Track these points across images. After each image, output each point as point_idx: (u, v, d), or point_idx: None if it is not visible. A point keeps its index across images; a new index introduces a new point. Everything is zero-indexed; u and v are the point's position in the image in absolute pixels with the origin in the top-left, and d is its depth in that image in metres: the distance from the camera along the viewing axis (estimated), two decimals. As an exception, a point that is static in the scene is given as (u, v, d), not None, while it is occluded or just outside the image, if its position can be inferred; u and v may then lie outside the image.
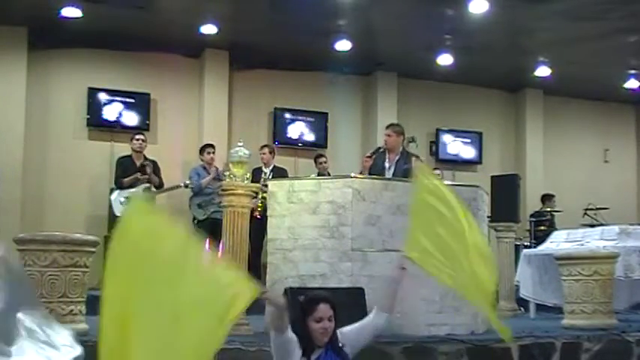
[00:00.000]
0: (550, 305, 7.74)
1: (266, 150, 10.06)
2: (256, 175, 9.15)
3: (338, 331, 3.56)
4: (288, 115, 11.84)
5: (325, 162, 10.50)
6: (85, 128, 10.83)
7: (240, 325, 5.44)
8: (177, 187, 9.63)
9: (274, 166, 10.06)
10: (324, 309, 3.46)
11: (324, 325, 3.42)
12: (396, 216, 5.78)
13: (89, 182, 10.65)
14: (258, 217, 8.10)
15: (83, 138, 10.85)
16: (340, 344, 3.51)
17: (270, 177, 9.29)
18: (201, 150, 10.02)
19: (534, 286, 7.82)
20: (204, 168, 9.88)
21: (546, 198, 11.91)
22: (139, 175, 9.24)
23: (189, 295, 2.82)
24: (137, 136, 9.58)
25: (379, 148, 7.26)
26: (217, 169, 9.77)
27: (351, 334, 3.62)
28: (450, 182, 9.40)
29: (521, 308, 8.37)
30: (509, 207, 8.49)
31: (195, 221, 9.77)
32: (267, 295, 3.38)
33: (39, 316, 2.51)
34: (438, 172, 10.90)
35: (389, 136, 7.17)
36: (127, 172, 9.30)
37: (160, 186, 9.47)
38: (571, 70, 11.85)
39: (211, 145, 9.99)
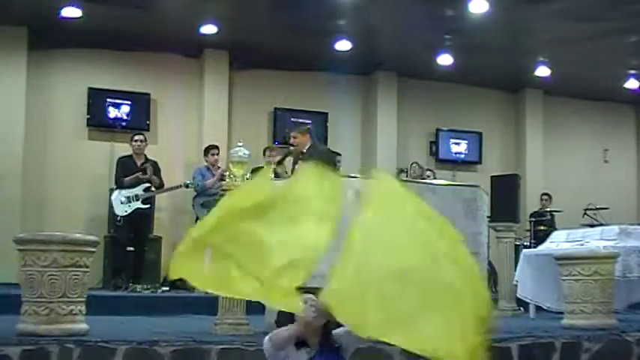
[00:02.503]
0: (547, 307, 7.74)
1: (275, 152, 10.15)
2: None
3: (333, 332, 3.55)
4: (288, 115, 11.84)
5: (339, 161, 10.48)
6: (85, 128, 10.83)
7: (240, 325, 5.44)
8: (178, 187, 9.64)
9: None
10: (307, 297, 3.49)
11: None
12: (396, 216, 5.77)
13: (89, 182, 10.65)
14: None
15: (83, 138, 10.86)
16: (337, 344, 3.49)
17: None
18: (206, 151, 10.02)
19: (533, 287, 7.81)
20: (208, 169, 9.88)
21: (543, 197, 11.93)
22: (140, 174, 9.24)
23: None
24: (136, 137, 9.57)
25: (289, 151, 7.36)
26: (222, 170, 9.77)
27: (343, 336, 3.60)
28: (450, 182, 9.45)
29: (521, 308, 8.37)
30: (509, 207, 8.48)
31: (199, 221, 9.77)
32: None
33: None
34: (429, 173, 10.86)
35: (295, 137, 7.23)
36: (128, 172, 9.30)
37: (160, 186, 9.47)
38: (571, 70, 11.86)
39: (216, 147, 9.99)
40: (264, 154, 10.26)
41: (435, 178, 10.37)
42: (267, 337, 3.40)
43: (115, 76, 10.97)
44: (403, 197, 3.07)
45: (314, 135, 7.31)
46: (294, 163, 7.23)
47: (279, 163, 7.36)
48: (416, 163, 10.69)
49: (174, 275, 3.15)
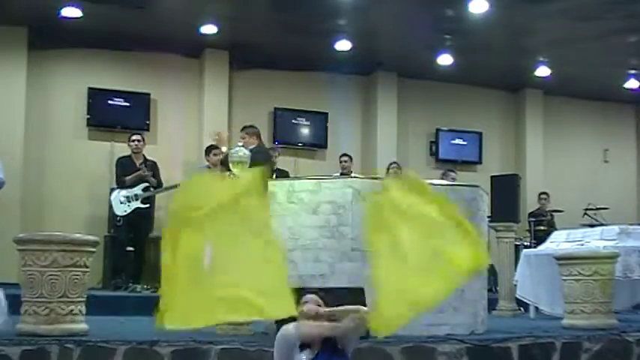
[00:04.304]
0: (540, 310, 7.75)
1: (276, 153, 10.19)
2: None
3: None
4: (288, 115, 11.85)
5: (345, 161, 10.58)
6: (85, 128, 10.83)
7: (241, 325, 5.44)
8: (177, 185, 9.63)
9: (277, 168, 10.08)
10: (309, 297, 3.53)
11: (307, 307, 3.47)
12: (396, 216, 5.77)
13: (89, 182, 10.65)
14: None
15: (83, 138, 10.86)
16: (340, 346, 3.50)
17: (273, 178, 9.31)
18: (207, 151, 10.00)
19: (533, 287, 7.81)
20: (209, 168, 9.86)
21: (541, 196, 11.92)
22: (141, 172, 9.23)
23: None
24: (133, 137, 9.57)
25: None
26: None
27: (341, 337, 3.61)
28: (449, 182, 9.44)
29: (521, 308, 8.37)
30: (509, 207, 8.48)
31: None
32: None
33: None
34: (453, 175, 10.86)
35: (243, 138, 7.38)
36: (128, 172, 9.31)
37: (158, 186, 9.47)
38: (571, 70, 11.86)
39: (217, 147, 9.97)
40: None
41: (454, 180, 10.28)
42: (291, 325, 3.44)
43: (115, 76, 10.97)
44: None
45: (261, 138, 7.58)
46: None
47: (222, 162, 7.47)
48: (395, 163, 10.70)
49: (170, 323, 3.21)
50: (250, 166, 7.12)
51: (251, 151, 7.24)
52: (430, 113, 12.71)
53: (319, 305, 3.51)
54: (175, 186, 9.61)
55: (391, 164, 10.68)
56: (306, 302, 3.51)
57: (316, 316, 3.46)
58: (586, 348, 5.54)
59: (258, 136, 7.52)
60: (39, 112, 10.56)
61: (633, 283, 7.01)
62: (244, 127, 7.66)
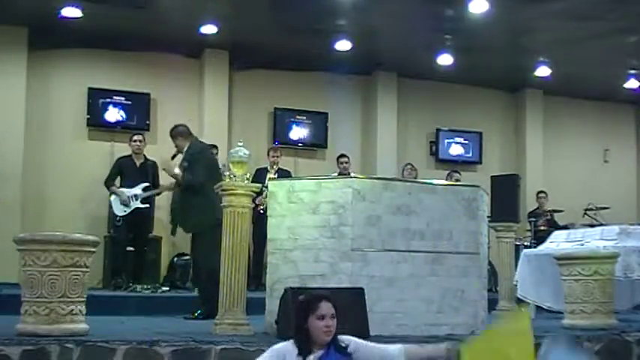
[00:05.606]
0: (547, 307, 7.74)
1: (278, 153, 10.17)
2: (261, 175, 9.20)
3: (352, 340, 3.53)
4: (288, 115, 11.85)
5: (346, 162, 10.59)
6: (85, 128, 10.83)
7: (240, 325, 5.45)
8: (176, 186, 9.63)
9: (279, 168, 10.10)
10: (326, 307, 3.45)
11: (327, 323, 3.40)
12: (396, 216, 5.79)
13: (89, 182, 10.63)
14: (262, 211, 8.17)
15: (83, 138, 10.86)
16: (343, 344, 3.48)
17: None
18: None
19: (533, 287, 7.81)
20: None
21: (539, 195, 11.92)
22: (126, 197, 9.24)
23: None
24: (135, 137, 9.59)
25: (177, 152, 7.55)
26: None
27: (365, 348, 3.58)
28: (450, 182, 9.46)
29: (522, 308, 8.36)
30: (509, 207, 8.49)
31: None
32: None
33: None
34: (457, 176, 10.90)
35: (175, 145, 7.47)
36: (126, 172, 9.35)
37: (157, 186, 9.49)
38: (571, 70, 11.85)
39: (214, 146, 9.98)
40: (268, 155, 10.27)
41: (458, 181, 10.32)
42: (400, 347, 3.56)
43: (115, 76, 10.96)
44: None
45: (191, 132, 7.54)
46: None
47: (172, 158, 7.56)
48: (410, 164, 10.75)
49: None
50: (189, 164, 7.17)
51: (187, 150, 7.30)
52: (430, 113, 12.72)
53: (333, 316, 3.45)
54: (175, 186, 9.63)
55: (406, 165, 10.71)
56: (324, 316, 3.43)
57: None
58: (586, 348, 5.54)
59: (188, 134, 7.49)
60: (39, 112, 10.55)
61: (633, 283, 7.00)
62: (170, 131, 7.60)
